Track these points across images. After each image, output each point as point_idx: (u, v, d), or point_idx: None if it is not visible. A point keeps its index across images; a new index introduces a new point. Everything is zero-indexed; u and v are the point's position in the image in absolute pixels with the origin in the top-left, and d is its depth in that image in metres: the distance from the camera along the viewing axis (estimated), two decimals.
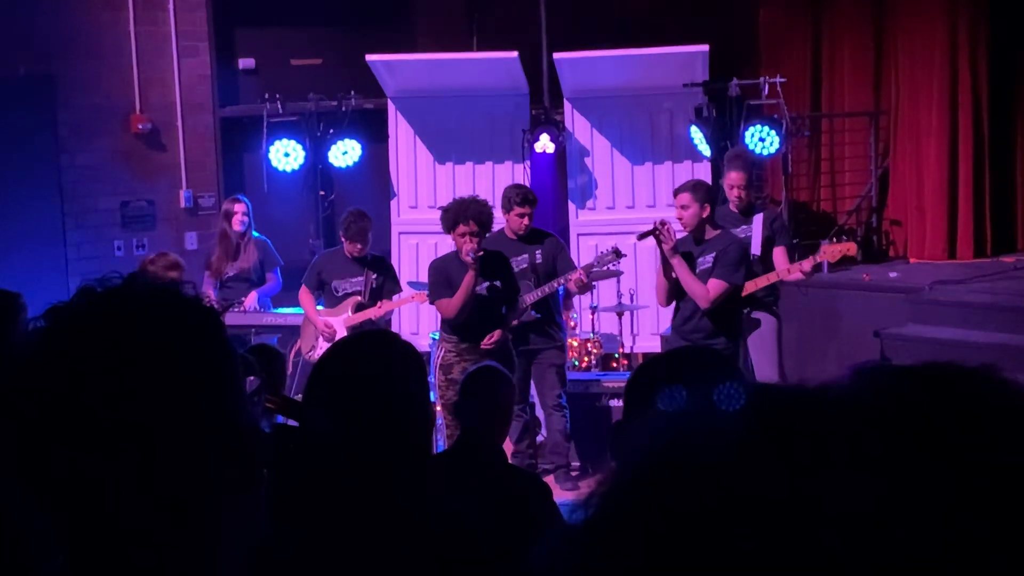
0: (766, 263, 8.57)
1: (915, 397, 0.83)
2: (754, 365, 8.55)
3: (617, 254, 8.72)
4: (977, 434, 0.81)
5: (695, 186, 8.09)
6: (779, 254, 8.64)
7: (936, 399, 0.83)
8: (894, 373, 0.87)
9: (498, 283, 8.16)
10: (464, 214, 7.93)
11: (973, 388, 0.85)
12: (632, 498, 0.83)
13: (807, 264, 8.43)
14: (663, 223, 7.83)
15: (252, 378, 4.86)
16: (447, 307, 8.11)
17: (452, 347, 8.16)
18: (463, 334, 8.13)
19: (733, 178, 8.76)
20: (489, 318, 8.10)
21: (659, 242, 7.83)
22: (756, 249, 8.58)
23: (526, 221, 8.66)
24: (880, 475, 0.78)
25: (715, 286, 7.77)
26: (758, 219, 8.67)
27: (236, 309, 9.68)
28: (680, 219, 7.97)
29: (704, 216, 7.92)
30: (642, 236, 8.07)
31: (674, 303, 8.12)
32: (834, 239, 9.15)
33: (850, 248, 8.88)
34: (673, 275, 7.87)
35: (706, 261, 7.86)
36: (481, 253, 7.94)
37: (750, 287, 8.39)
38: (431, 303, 8.43)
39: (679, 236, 7.92)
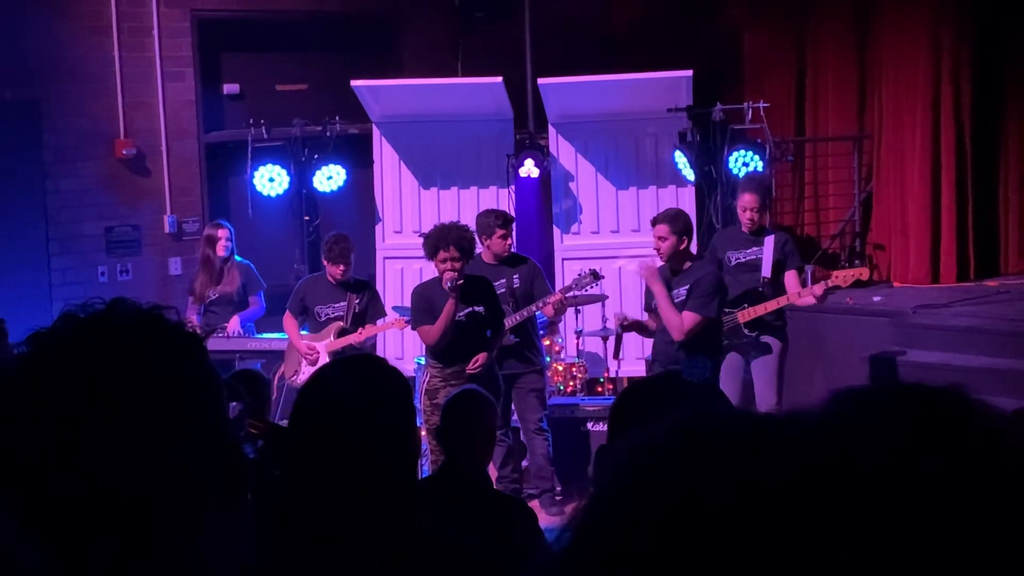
0: (776, 286, 8.59)
1: (878, 419, 0.85)
2: (755, 387, 8.57)
3: (595, 276, 8.75)
4: (939, 452, 0.83)
5: (673, 217, 8.09)
6: (790, 277, 8.65)
7: (899, 420, 0.85)
8: (861, 396, 0.88)
9: (480, 308, 8.15)
10: (444, 240, 7.93)
11: (937, 408, 0.86)
12: (607, 524, 0.84)
13: (819, 288, 8.45)
14: (644, 266, 8.10)
15: (235, 404, 4.86)
16: (428, 334, 8.11)
17: (437, 372, 8.16)
18: (445, 360, 8.13)
19: (746, 200, 8.78)
20: (470, 344, 8.10)
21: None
22: (767, 272, 8.59)
23: (509, 241, 8.77)
24: (842, 499, 0.80)
25: (688, 318, 7.83)
26: (769, 241, 8.68)
27: (219, 334, 9.68)
28: (657, 249, 8.03)
29: (681, 248, 7.97)
30: (624, 331, 8.47)
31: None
32: (845, 264, 9.16)
33: (862, 272, 8.93)
34: (654, 304, 7.97)
35: (680, 294, 7.93)
36: (461, 281, 7.94)
37: (759, 310, 8.43)
38: (413, 329, 8.43)
39: (621, 267, 8.13)
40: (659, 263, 8.06)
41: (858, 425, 0.86)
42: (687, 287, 7.88)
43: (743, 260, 8.69)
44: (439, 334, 8.03)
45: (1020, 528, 0.81)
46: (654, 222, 8.15)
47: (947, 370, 8.86)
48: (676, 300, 7.94)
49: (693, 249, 8.47)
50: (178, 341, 1.40)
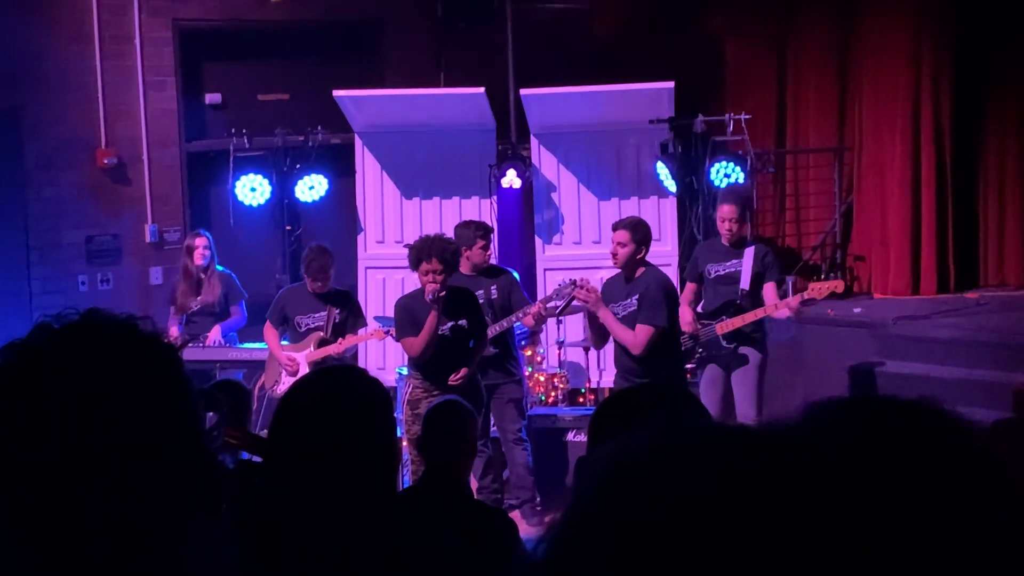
0: (755, 298, 8.60)
1: (854, 431, 0.85)
2: (735, 399, 8.60)
3: (575, 286, 8.76)
4: (913, 463, 0.83)
5: (635, 225, 8.13)
6: (769, 289, 8.67)
7: (874, 432, 0.85)
8: (831, 409, 0.89)
9: (463, 322, 8.15)
10: (427, 252, 7.93)
11: (910, 420, 0.87)
12: (586, 534, 0.84)
13: (795, 301, 8.47)
14: (580, 287, 8.00)
15: (211, 414, 4.83)
16: (411, 346, 8.11)
17: (419, 382, 8.15)
18: (427, 373, 8.13)
19: (725, 211, 8.78)
20: (453, 357, 8.09)
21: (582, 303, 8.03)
22: (745, 284, 8.61)
23: (490, 252, 8.80)
24: (819, 509, 0.80)
25: (642, 332, 7.87)
26: (748, 253, 8.68)
27: (200, 344, 9.65)
28: (614, 254, 8.05)
29: (638, 257, 8.02)
30: (561, 312, 8.29)
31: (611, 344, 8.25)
32: (822, 276, 9.19)
33: (838, 285, 8.95)
34: (599, 323, 8.00)
35: (631, 303, 7.98)
36: (443, 293, 7.94)
37: (737, 322, 8.46)
38: (397, 340, 8.43)
39: (608, 276, 8.13)
40: (611, 272, 8.13)
41: (835, 437, 0.86)
42: (638, 296, 7.94)
43: (723, 272, 8.71)
44: (422, 346, 8.04)
45: (991, 535, 0.82)
46: (615, 227, 8.17)
47: (927, 381, 8.88)
48: (628, 310, 8.01)
49: (673, 260, 8.49)
50: (152, 351, 1.40)
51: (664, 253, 10.17)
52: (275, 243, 11.48)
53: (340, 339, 9.04)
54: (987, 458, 0.85)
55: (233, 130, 11.17)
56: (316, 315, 9.12)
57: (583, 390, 10.20)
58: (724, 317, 8.55)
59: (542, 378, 9.83)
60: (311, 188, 11.07)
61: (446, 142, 11.16)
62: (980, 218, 11.48)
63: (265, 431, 3.11)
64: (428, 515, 4.32)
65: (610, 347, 10.45)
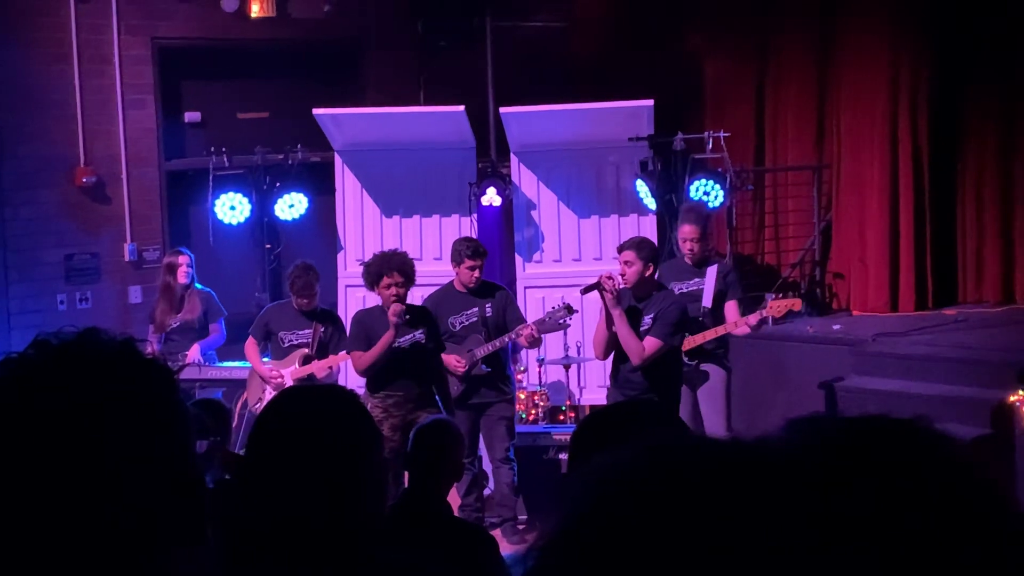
0: (717, 316, 8.65)
1: (847, 449, 0.85)
2: (703, 417, 8.62)
3: (569, 310, 8.77)
4: (905, 483, 0.83)
5: (640, 244, 8.12)
6: (731, 307, 8.71)
7: (868, 450, 0.85)
8: (828, 426, 0.89)
9: (421, 336, 8.17)
10: (388, 266, 7.99)
11: (903, 439, 0.87)
12: (570, 549, 0.84)
13: (753, 319, 8.53)
14: (609, 277, 7.86)
15: (204, 440, 4.84)
16: (359, 360, 8.19)
17: (379, 403, 8.14)
18: (377, 387, 8.16)
19: (686, 231, 8.84)
20: (409, 370, 8.13)
21: (602, 294, 7.84)
22: (707, 302, 8.65)
23: (477, 274, 8.72)
24: (809, 527, 0.80)
25: (651, 344, 7.81)
26: (711, 272, 8.74)
27: (179, 362, 9.62)
28: (623, 275, 7.99)
29: (647, 274, 7.97)
30: (586, 290, 8.09)
31: (611, 357, 8.15)
32: (779, 294, 9.23)
33: (795, 304, 8.98)
34: (613, 328, 7.88)
35: (645, 322, 7.93)
36: (408, 317, 8.02)
37: (699, 339, 8.48)
38: (347, 353, 8.47)
39: (621, 290, 7.96)
40: (622, 286, 8.01)
41: (825, 453, 0.86)
42: (652, 315, 7.90)
43: (686, 290, 8.76)
44: (371, 361, 8.12)
45: (980, 555, 0.82)
46: (620, 249, 8.14)
47: (906, 398, 8.90)
48: (641, 328, 7.93)
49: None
50: (151, 374, 1.39)
51: None
52: (255, 261, 11.45)
53: (322, 359, 9.06)
54: (980, 476, 0.86)
55: (212, 148, 11.14)
56: (301, 332, 9.12)
57: (564, 408, 10.20)
58: (687, 334, 8.58)
59: (523, 396, 9.83)
60: (291, 206, 11.05)
61: (426, 160, 11.16)
62: (958, 235, 11.52)
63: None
64: (408, 533, 4.31)
65: (598, 364, 10.47)
